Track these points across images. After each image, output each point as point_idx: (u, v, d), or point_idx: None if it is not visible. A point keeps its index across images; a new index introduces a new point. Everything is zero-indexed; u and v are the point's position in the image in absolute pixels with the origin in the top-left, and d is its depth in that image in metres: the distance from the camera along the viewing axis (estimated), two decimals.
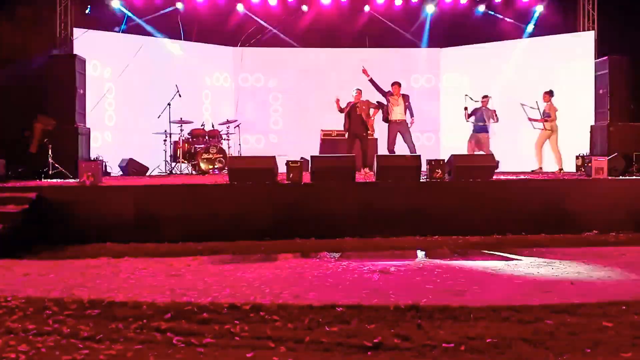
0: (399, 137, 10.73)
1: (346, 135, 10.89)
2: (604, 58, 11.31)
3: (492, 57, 13.57)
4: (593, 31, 12.44)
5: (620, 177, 8.82)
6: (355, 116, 10.61)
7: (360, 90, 10.79)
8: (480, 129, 11.32)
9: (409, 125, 10.78)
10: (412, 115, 10.81)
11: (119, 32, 12.42)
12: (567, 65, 12.54)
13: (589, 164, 8.66)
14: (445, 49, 14.28)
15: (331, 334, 3.71)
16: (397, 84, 10.85)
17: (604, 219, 7.90)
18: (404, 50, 14.20)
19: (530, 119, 10.99)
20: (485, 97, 11.35)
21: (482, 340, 3.57)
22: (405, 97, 10.79)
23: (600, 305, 4.25)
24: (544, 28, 13.09)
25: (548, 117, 10.82)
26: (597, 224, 7.86)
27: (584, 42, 12.44)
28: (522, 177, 9.63)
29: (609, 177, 8.50)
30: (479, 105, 11.35)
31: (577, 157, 10.88)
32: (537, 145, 11.11)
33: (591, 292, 4.74)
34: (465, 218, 7.82)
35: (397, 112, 10.67)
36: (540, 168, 11.15)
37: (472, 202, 7.94)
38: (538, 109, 10.91)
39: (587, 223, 7.87)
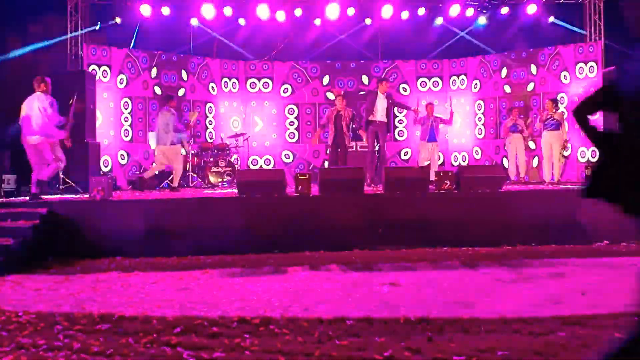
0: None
1: (330, 145, 10.64)
2: (611, 68, 11.30)
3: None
4: (600, 41, 12.42)
5: None
6: (340, 125, 10.33)
7: (342, 97, 10.52)
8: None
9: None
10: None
11: (130, 48, 12.54)
12: (574, 76, 12.52)
13: None
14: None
15: (341, 348, 3.70)
16: (383, 82, 10.54)
17: (614, 229, 7.81)
18: None
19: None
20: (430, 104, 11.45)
21: (493, 352, 3.54)
22: (389, 97, 10.51)
23: (612, 317, 4.22)
24: (551, 39, 13.09)
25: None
26: (607, 234, 7.80)
27: (591, 53, 12.42)
28: (530, 187, 9.60)
29: None
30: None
31: (585, 167, 10.83)
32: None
33: (603, 303, 4.71)
34: (475, 229, 7.78)
35: (379, 113, 10.30)
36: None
37: (481, 213, 7.92)
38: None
39: (597, 233, 7.82)
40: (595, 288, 5.28)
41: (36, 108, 8.07)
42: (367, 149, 12.07)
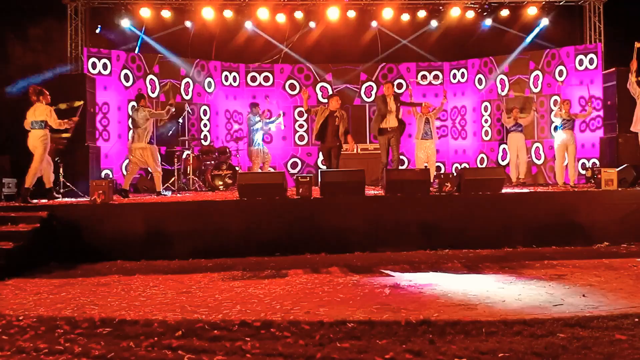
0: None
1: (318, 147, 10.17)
2: (612, 70, 11.32)
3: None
4: (600, 43, 12.43)
5: (630, 188, 8.76)
6: (333, 126, 9.57)
7: (338, 97, 9.87)
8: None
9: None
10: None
11: (136, 52, 12.56)
12: (574, 77, 12.52)
13: (599, 176, 8.62)
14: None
15: (342, 350, 3.70)
16: (388, 83, 9.97)
17: (614, 230, 7.85)
18: None
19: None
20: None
21: (494, 355, 3.54)
22: (397, 98, 9.91)
23: (612, 318, 4.23)
24: (551, 41, 13.11)
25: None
26: (607, 236, 7.82)
27: (591, 54, 12.42)
28: (531, 189, 9.59)
29: (619, 189, 8.45)
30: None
31: (586, 169, 10.83)
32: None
33: (603, 304, 4.71)
34: (476, 231, 7.79)
35: (391, 118, 9.71)
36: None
37: (482, 215, 7.92)
38: None
39: (597, 235, 7.84)
40: (595, 289, 5.28)
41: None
42: (367, 151, 12.11)
